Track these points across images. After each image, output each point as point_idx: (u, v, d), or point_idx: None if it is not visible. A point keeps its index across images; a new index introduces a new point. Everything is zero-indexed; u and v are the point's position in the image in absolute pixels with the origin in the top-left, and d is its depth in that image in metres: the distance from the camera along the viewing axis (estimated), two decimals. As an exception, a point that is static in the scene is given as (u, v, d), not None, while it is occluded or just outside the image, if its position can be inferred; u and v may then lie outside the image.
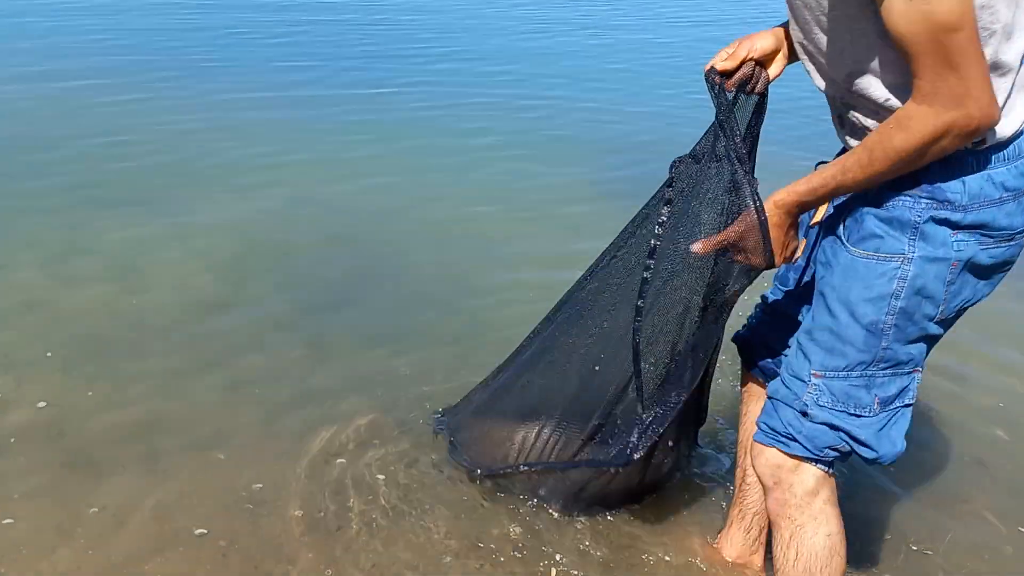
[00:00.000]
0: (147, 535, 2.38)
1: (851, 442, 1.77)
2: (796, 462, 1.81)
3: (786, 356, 1.92)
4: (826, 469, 1.82)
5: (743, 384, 2.29)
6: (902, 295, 1.67)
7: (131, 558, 2.30)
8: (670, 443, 2.38)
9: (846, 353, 1.73)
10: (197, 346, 3.32)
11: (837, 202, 1.77)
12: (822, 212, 1.84)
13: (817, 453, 1.79)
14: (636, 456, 2.15)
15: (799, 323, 1.98)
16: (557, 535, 2.45)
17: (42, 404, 2.91)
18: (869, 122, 1.66)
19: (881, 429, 1.76)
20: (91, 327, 3.40)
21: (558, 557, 2.37)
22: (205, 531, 2.40)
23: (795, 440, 1.79)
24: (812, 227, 1.91)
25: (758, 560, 2.34)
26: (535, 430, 2.52)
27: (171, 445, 2.76)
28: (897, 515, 2.64)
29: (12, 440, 2.72)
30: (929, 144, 1.51)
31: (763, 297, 2.20)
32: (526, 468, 2.49)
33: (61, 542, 2.34)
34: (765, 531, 2.30)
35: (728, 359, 2.71)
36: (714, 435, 2.89)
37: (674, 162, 1.94)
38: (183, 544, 2.36)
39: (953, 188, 1.61)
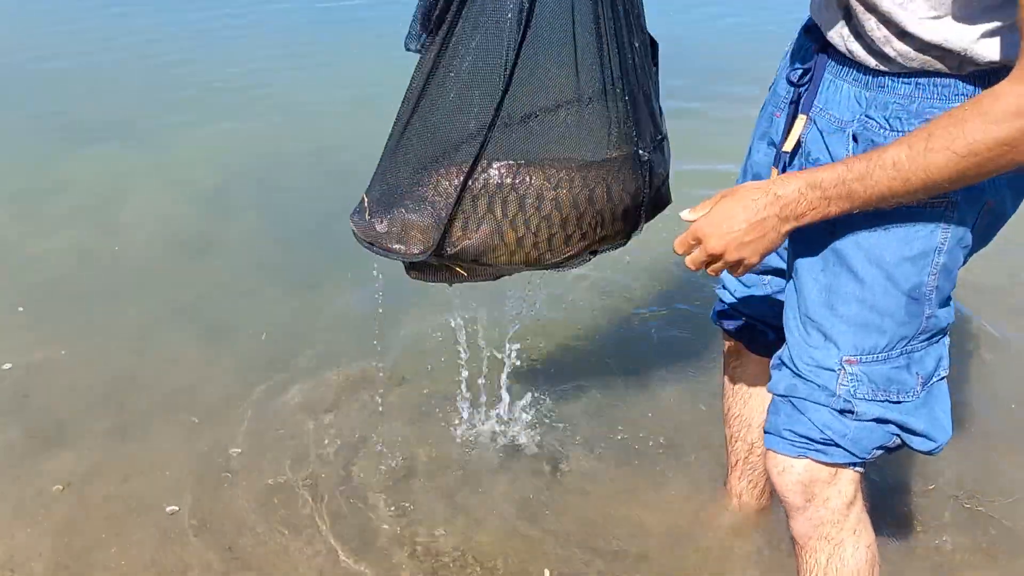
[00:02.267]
0: (114, 515, 2.18)
1: (904, 434, 1.45)
2: (833, 471, 1.48)
3: (788, 340, 1.49)
4: (862, 470, 1.52)
5: (730, 354, 1.97)
6: (945, 247, 1.34)
7: (96, 542, 2.10)
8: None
9: (884, 328, 1.38)
10: (176, 292, 3.08)
11: (833, 127, 1.38)
12: (795, 137, 1.44)
13: (864, 456, 1.46)
14: None
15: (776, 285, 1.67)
16: (550, 503, 2.23)
17: (7, 366, 2.70)
18: (895, 47, 1.28)
19: (927, 412, 1.45)
20: (64, 275, 3.17)
21: (552, 526, 2.15)
22: (176, 508, 2.19)
23: (836, 446, 1.44)
24: (781, 154, 1.48)
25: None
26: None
27: (145, 408, 2.54)
28: (938, 465, 2.38)
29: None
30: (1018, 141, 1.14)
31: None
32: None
33: (19, 524, 2.14)
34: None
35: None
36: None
37: None
38: (153, 524, 2.14)
39: None
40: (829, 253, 1.40)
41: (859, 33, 1.32)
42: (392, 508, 2.19)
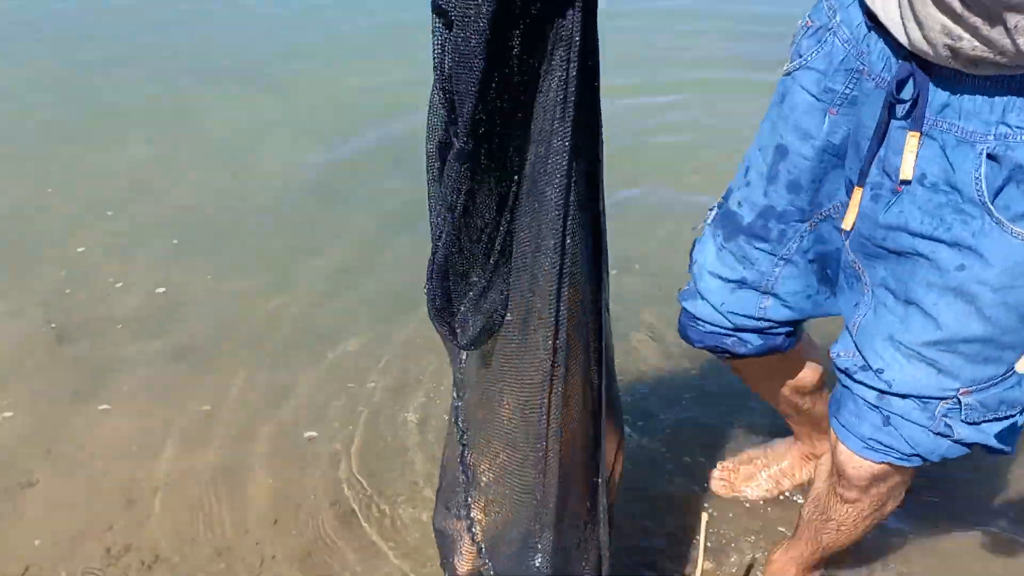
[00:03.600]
0: (257, 435, 2.23)
1: (985, 451, 1.41)
2: (906, 466, 1.47)
3: (869, 354, 1.38)
4: None
5: (737, 368, 1.81)
6: None
7: (241, 462, 2.15)
8: None
9: (1003, 358, 1.32)
10: (306, 236, 3.08)
11: (956, 139, 1.18)
12: (911, 160, 1.21)
13: (937, 460, 1.43)
14: None
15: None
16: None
17: (161, 290, 2.79)
18: None
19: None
20: (207, 215, 3.20)
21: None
22: (315, 434, 2.23)
23: (919, 456, 1.41)
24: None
25: None
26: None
27: (284, 340, 2.57)
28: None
29: (120, 327, 2.61)
30: None
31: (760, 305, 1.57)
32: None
33: (171, 442, 2.22)
34: None
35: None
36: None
37: None
38: (292, 448, 2.19)
39: None
40: (952, 288, 1.26)
41: (987, 46, 1.10)
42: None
